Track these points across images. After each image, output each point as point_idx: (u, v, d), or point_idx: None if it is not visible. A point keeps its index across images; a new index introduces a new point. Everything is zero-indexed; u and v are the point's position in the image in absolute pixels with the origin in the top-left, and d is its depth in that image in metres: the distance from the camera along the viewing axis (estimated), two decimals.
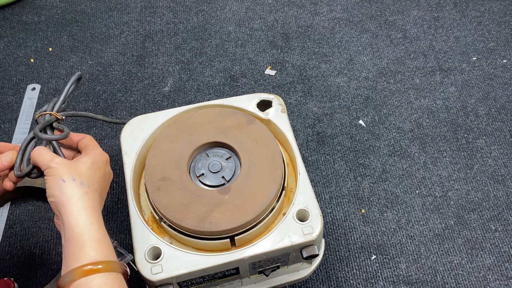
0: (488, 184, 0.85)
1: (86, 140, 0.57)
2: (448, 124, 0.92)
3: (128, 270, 0.50)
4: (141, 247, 0.57)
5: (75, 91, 0.60)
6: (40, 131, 0.55)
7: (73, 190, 0.50)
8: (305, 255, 0.58)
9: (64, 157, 0.56)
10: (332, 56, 1.03)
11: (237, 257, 0.56)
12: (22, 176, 0.55)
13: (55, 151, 0.56)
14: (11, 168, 0.55)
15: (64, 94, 0.58)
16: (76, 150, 0.59)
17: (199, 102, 0.70)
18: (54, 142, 0.56)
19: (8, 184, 0.56)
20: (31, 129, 0.66)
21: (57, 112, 0.57)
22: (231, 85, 0.98)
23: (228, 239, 0.57)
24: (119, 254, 0.61)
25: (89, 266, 0.46)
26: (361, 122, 0.93)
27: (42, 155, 0.52)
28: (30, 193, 0.83)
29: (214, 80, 0.99)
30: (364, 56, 1.03)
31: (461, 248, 0.78)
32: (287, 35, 1.06)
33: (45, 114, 0.56)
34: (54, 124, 0.57)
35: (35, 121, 0.56)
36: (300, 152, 0.75)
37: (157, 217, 0.60)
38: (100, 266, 0.46)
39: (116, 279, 0.47)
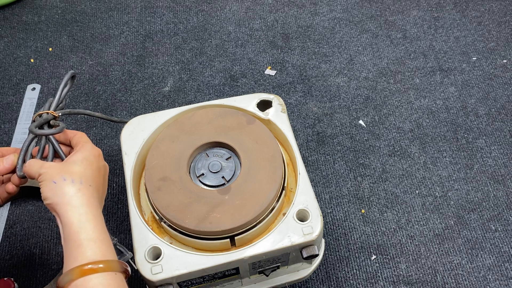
0: (488, 184, 0.85)
1: (77, 138, 0.57)
2: (448, 124, 0.92)
3: (129, 269, 0.50)
4: (141, 247, 0.57)
5: (71, 89, 0.60)
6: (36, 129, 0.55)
7: (65, 189, 0.49)
8: (305, 255, 0.58)
9: (63, 153, 0.56)
10: (332, 56, 1.03)
11: (237, 257, 0.56)
12: (24, 176, 0.55)
13: (54, 148, 0.56)
14: (13, 171, 0.56)
15: (59, 93, 0.58)
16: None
17: (199, 102, 0.70)
18: (52, 138, 0.56)
19: (10, 187, 0.56)
20: None
21: (54, 111, 0.57)
22: (231, 85, 0.98)
23: (228, 239, 0.57)
24: (119, 252, 0.61)
25: (88, 266, 0.46)
26: (361, 122, 0.93)
27: (32, 166, 0.53)
28: (30, 193, 0.83)
29: (214, 80, 0.99)
30: (364, 56, 1.03)
31: (461, 248, 0.78)
32: (287, 35, 1.06)
33: (42, 113, 0.57)
34: (51, 122, 0.57)
35: (32, 122, 0.57)
36: (300, 152, 0.75)
37: (157, 217, 0.60)
38: (98, 266, 0.46)
39: (115, 279, 0.47)
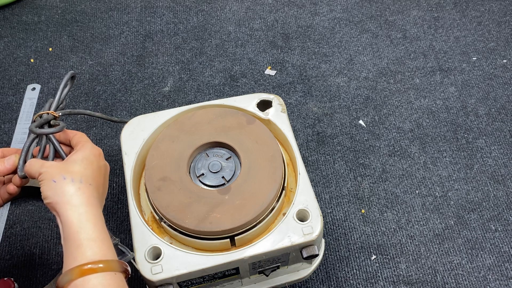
0: (488, 184, 0.85)
1: (77, 137, 0.57)
2: (448, 124, 0.92)
3: (129, 268, 0.50)
4: (141, 247, 0.57)
5: (71, 90, 0.60)
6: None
7: (65, 188, 0.49)
8: (305, 255, 0.58)
9: (64, 153, 0.56)
10: (332, 56, 1.03)
11: (237, 257, 0.56)
12: (25, 176, 0.55)
13: (54, 148, 0.56)
14: (14, 172, 0.56)
15: (59, 94, 0.58)
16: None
17: (199, 102, 0.70)
18: (52, 138, 0.56)
19: (11, 188, 0.56)
20: None
21: (54, 111, 0.57)
22: (231, 85, 0.98)
23: (228, 239, 0.57)
24: (120, 252, 0.61)
25: (87, 266, 0.46)
26: (361, 122, 0.93)
27: (32, 165, 0.53)
28: (30, 193, 0.83)
29: (214, 80, 0.99)
30: (364, 56, 1.03)
31: (461, 248, 0.78)
32: (287, 35, 1.06)
33: (42, 114, 0.57)
34: (52, 122, 0.57)
35: (32, 122, 0.57)
36: (300, 152, 0.75)
37: (157, 217, 0.60)
38: (97, 266, 0.46)
39: (114, 279, 0.47)
